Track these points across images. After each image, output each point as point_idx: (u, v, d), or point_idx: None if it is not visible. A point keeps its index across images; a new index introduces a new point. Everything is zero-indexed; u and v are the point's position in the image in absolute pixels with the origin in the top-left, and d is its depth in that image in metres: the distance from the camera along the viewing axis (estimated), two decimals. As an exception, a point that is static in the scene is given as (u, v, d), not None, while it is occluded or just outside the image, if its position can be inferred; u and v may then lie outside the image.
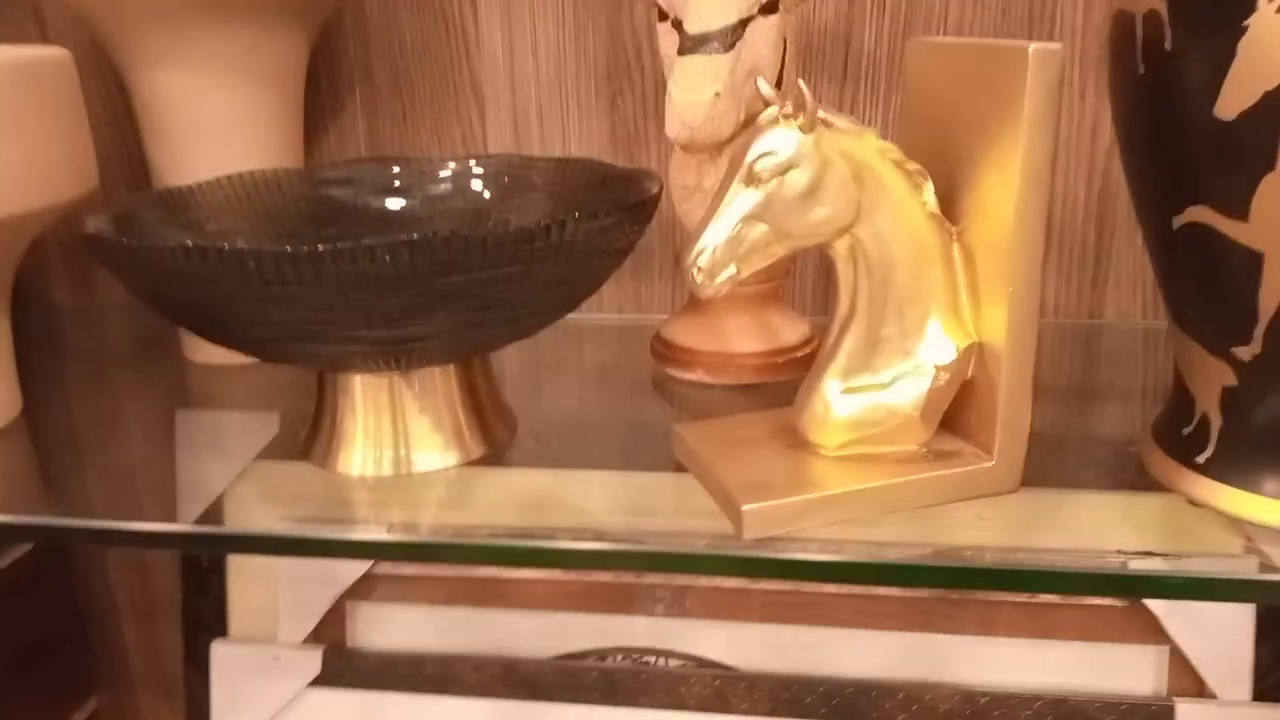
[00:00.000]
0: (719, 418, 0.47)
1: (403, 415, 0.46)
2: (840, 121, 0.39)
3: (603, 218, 0.40)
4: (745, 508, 0.39)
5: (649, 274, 0.70)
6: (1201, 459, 0.41)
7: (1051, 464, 0.49)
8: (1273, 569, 0.38)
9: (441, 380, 0.46)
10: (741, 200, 0.38)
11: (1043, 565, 0.40)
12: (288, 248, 0.35)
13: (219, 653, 0.71)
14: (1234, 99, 0.34)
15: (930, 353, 0.42)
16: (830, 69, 0.64)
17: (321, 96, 0.69)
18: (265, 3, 0.54)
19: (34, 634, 0.77)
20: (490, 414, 0.48)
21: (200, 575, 0.72)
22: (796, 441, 0.44)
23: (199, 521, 0.46)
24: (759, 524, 0.39)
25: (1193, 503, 0.41)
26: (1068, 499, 0.45)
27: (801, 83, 0.38)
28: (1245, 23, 0.33)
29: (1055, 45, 0.37)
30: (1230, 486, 0.40)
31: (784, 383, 0.55)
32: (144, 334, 0.69)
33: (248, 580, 0.72)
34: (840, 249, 0.41)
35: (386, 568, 0.69)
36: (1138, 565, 0.40)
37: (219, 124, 0.56)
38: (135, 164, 0.70)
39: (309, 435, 0.48)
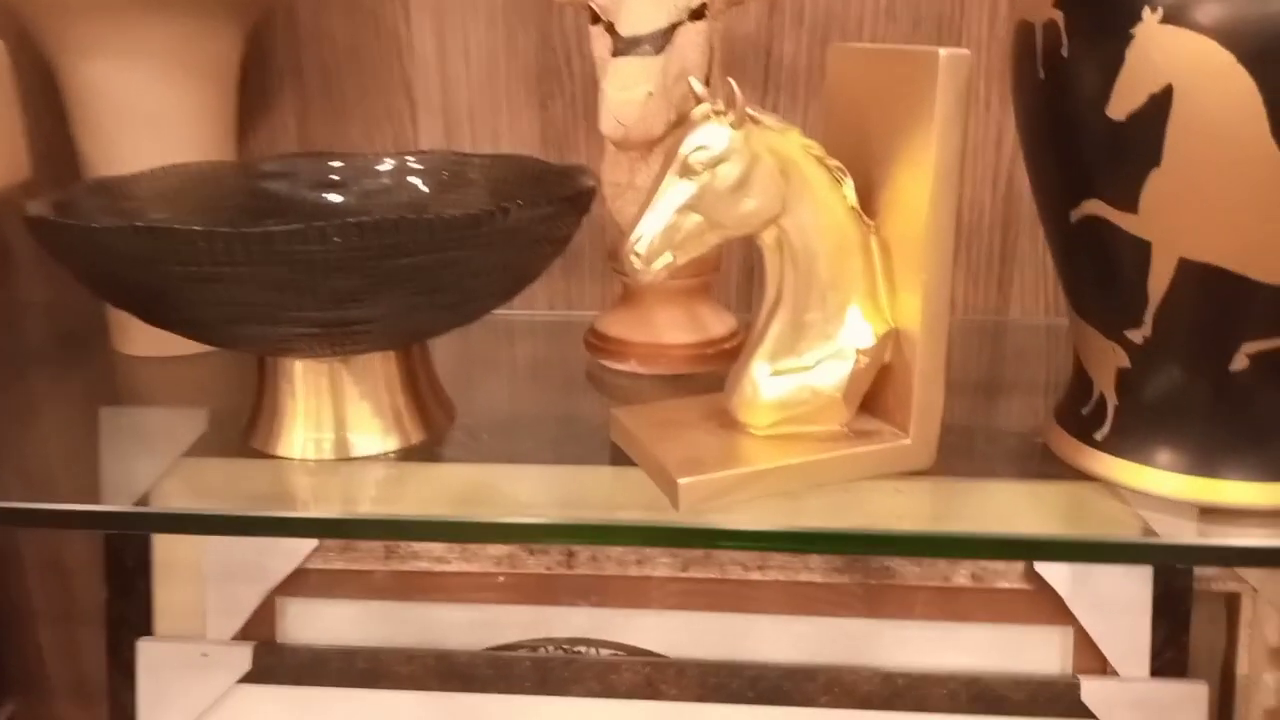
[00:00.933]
0: (655, 402, 0.49)
1: (343, 400, 0.47)
2: (767, 119, 0.42)
3: (544, 205, 0.41)
4: (681, 481, 0.41)
5: (580, 271, 0.72)
6: (1099, 436, 0.44)
7: (962, 453, 0.52)
8: (1152, 533, 0.42)
9: (382, 366, 0.47)
10: (676, 191, 0.41)
11: (953, 532, 0.43)
12: (240, 229, 0.36)
13: (145, 651, 0.70)
14: (1123, 101, 0.37)
15: (851, 338, 0.45)
16: (751, 77, 0.67)
17: (252, 94, 0.69)
18: (197, -2, 0.54)
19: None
20: (429, 401, 0.50)
21: (125, 575, 0.71)
22: (728, 422, 0.46)
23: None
24: (694, 497, 0.42)
25: (1091, 476, 0.44)
26: (978, 486, 0.48)
27: (731, 81, 0.40)
28: (1132, 31, 0.36)
29: (964, 51, 0.40)
30: (1126, 460, 0.43)
31: (712, 373, 0.57)
32: (68, 329, 0.68)
33: (174, 579, 0.71)
34: (768, 239, 0.44)
35: (316, 563, 0.69)
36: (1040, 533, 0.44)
37: (151, 116, 0.56)
38: (61, 154, 0.70)
39: (250, 420, 0.48)
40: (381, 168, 0.56)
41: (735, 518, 0.42)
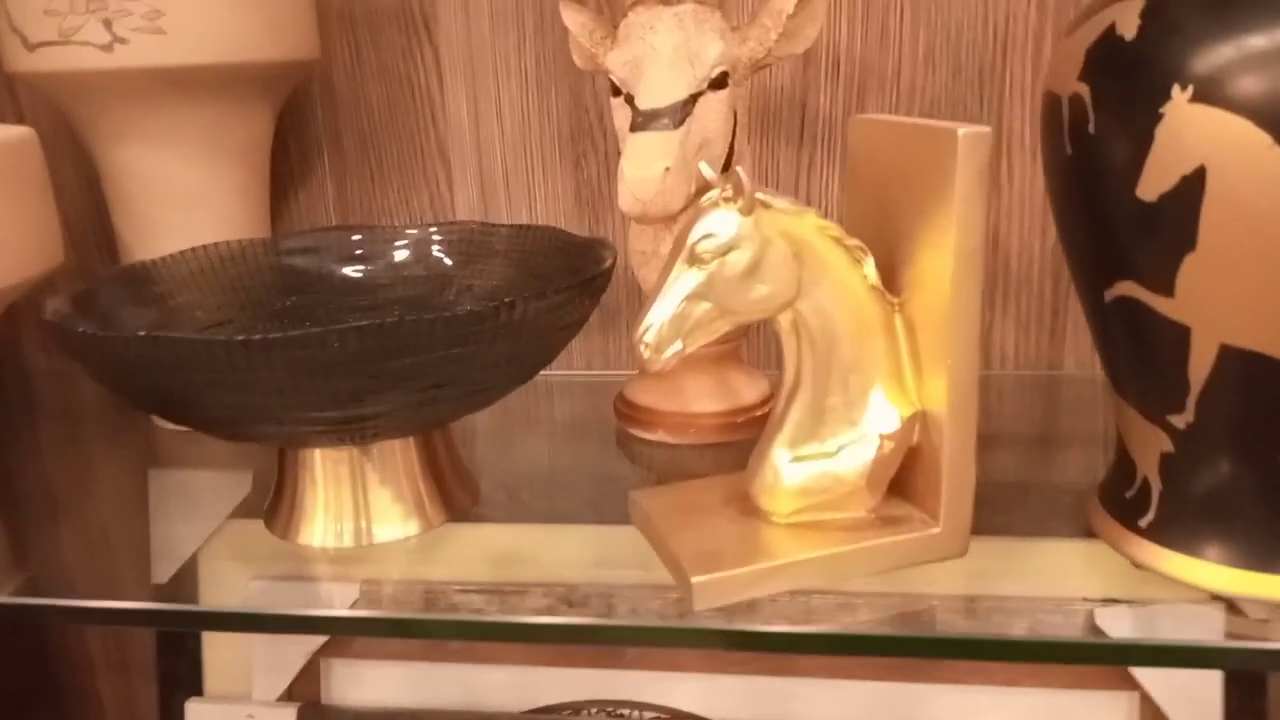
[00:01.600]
0: (675, 483, 0.48)
1: (363, 487, 0.47)
2: (779, 202, 0.40)
3: (552, 296, 0.41)
4: (695, 580, 0.40)
5: (616, 329, 0.71)
6: (1144, 522, 0.42)
7: (1013, 512, 0.51)
8: (1237, 634, 0.39)
9: (401, 451, 0.47)
10: (685, 280, 0.39)
11: (1000, 636, 0.41)
12: (239, 336, 0.35)
13: (194, 712, 0.71)
14: (1154, 181, 0.35)
15: (875, 421, 0.43)
16: (787, 132, 0.66)
17: (290, 161, 0.70)
18: (230, 79, 0.55)
19: (3, 691, 0.77)
20: (451, 482, 0.49)
21: (175, 633, 0.72)
22: (749, 508, 0.45)
23: (171, 582, 0.47)
24: (710, 595, 0.40)
25: (1137, 565, 0.42)
26: (1028, 546, 0.47)
27: (739, 169, 0.39)
28: (1161, 109, 0.34)
29: (984, 129, 0.38)
30: (1173, 550, 0.41)
31: (745, 441, 0.55)
32: (110, 402, 0.70)
33: (223, 638, 0.72)
34: (784, 323, 0.42)
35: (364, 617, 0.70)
36: (1107, 625, 0.41)
37: (184, 197, 0.57)
38: (101, 238, 0.71)
39: (271, 506, 0.48)
40: (405, 240, 0.56)
41: (754, 618, 0.41)
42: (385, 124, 0.69)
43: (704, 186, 0.51)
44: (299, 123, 0.70)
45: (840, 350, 0.42)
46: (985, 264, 0.41)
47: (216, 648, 0.72)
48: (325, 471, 0.46)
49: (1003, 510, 0.50)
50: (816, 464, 0.43)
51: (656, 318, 0.39)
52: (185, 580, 0.48)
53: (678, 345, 0.40)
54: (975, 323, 0.41)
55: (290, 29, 0.56)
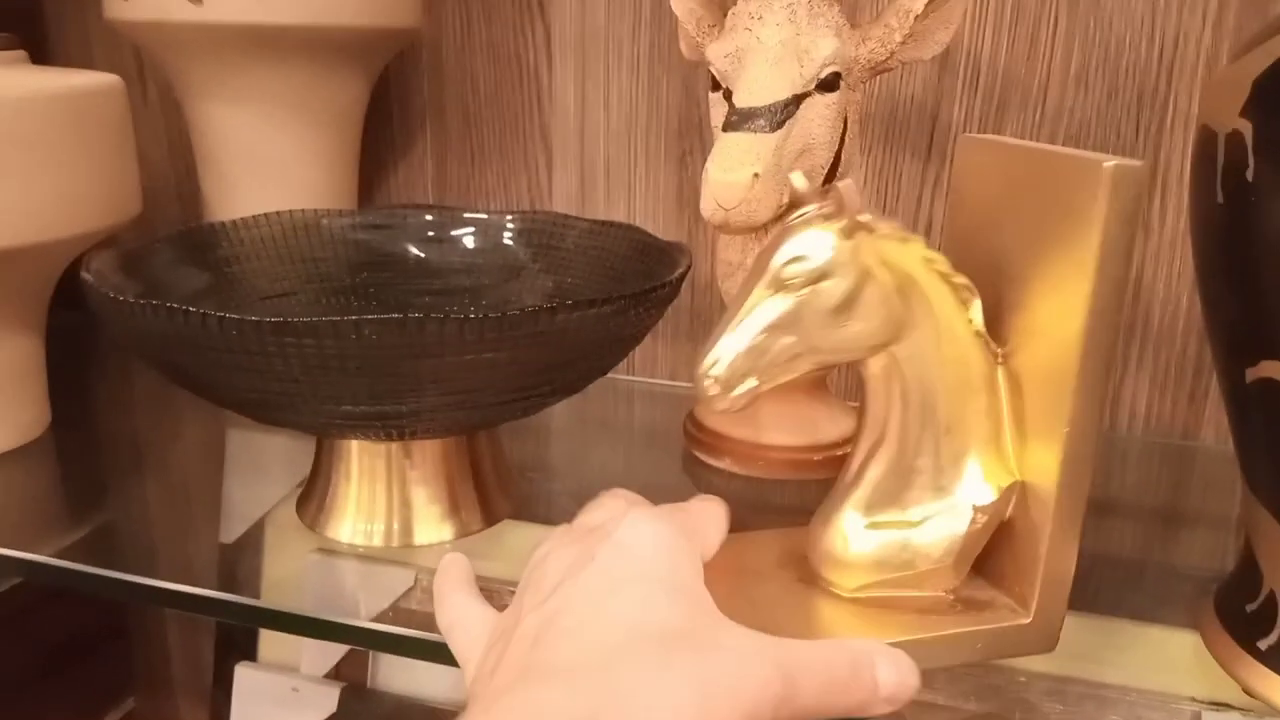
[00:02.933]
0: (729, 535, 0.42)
1: (398, 485, 0.44)
2: (884, 226, 0.34)
3: (601, 306, 0.37)
4: None
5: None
6: (1265, 644, 0.35)
7: (1122, 592, 0.46)
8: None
9: (443, 451, 0.44)
10: (766, 307, 0.34)
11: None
12: (252, 316, 0.33)
13: (242, 677, 0.71)
14: (1321, 246, 0.29)
15: (968, 492, 0.37)
16: (914, 143, 0.60)
17: (393, 132, 0.69)
18: (321, 42, 0.53)
19: (72, 631, 0.79)
20: (492, 488, 0.46)
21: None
22: (807, 575, 0.39)
23: (235, 546, 0.47)
24: None
25: (1249, 693, 0.35)
26: (1135, 631, 0.42)
27: (848, 182, 0.34)
28: (1340, 159, 0.28)
29: (1135, 163, 0.32)
30: (1293, 683, 0.34)
31: (820, 482, 0.51)
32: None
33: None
34: (874, 368, 0.36)
35: (412, 603, 0.68)
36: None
37: (267, 160, 0.55)
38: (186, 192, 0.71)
39: (304, 493, 0.46)
40: (482, 226, 0.53)
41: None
42: (490, 102, 0.67)
43: (799, 199, 0.46)
44: (404, 94, 0.68)
45: (937, 405, 0.36)
46: (1123, 316, 0.34)
47: (293, 601, 0.72)
48: (361, 465, 0.44)
49: (1111, 588, 0.46)
50: (895, 533, 0.37)
51: (727, 350, 0.34)
52: (248, 546, 0.47)
53: (751, 383, 0.34)
54: (1103, 385, 0.35)
55: (388, -7, 0.54)
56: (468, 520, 0.45)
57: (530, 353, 0.36)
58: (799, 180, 0.36)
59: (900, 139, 0.60)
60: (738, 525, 0.50)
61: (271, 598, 0.44)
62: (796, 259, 0.33)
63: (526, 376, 0.38)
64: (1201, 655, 0.39)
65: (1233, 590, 0.38)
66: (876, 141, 0.60)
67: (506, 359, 0.36)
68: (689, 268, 0.44)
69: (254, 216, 0.51)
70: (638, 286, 0.39)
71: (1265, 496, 0.35)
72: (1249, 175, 0.31)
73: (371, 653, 0.69)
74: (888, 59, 0.46)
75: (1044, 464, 0.36)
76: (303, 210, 0.52)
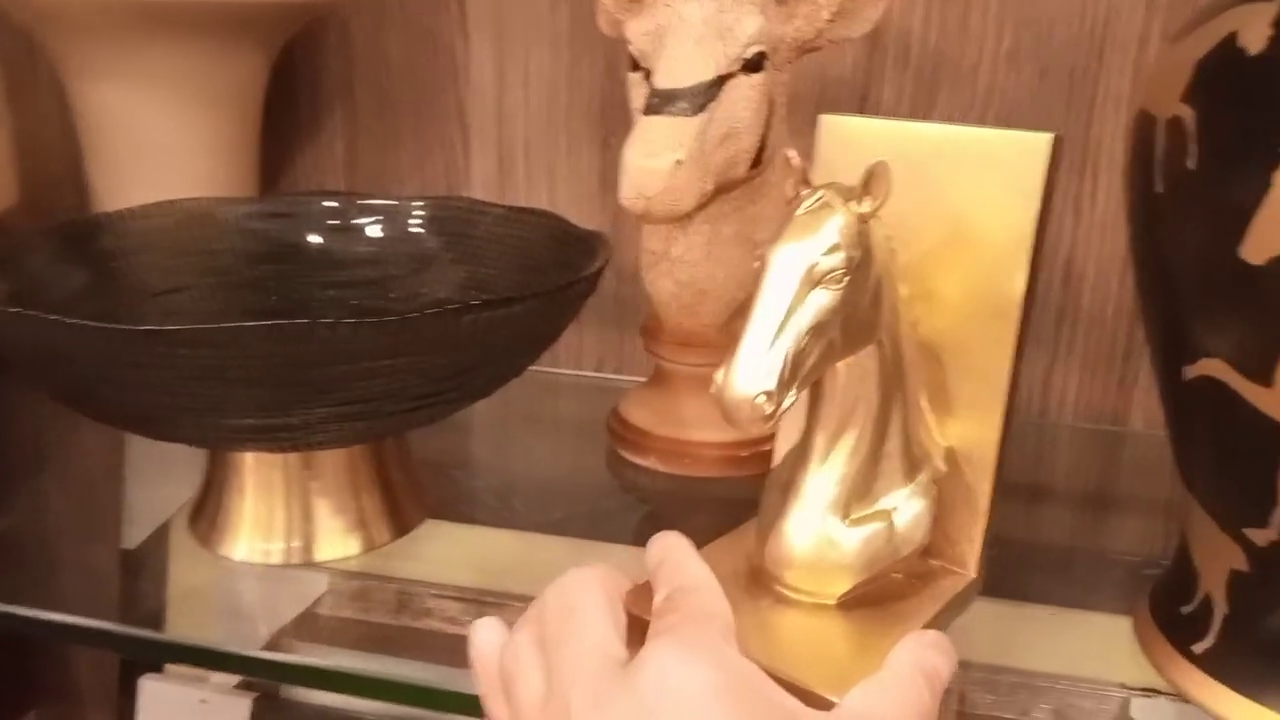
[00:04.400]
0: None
1: (300, 498, 0.41)
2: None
3: (512, 305, 0.34)
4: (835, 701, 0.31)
5: (633, 329, 0.64)
6: (1199, 648, 0.34)
7: (1054, 579, 0.46)
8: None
9: (345, 461, 0.41)
10: (808, 308, 0.30)
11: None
12: (118, 325, 0.30)
13: (148, 689, 0.67)
14: (1264, 240, 0.27)
15: (926, 467, 0.36)
16: (842, 125, 0.58)
17: (301, 114, 0.65)
18: (219, 19, 0.49)
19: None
20: (401, 498, 0.43)
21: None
22: (770, 590, 0.36)
23: (139, 551, 0.44)
24: None
25: (1183, 698, 0.35)
26: (1068, 619, 0.42)
27: (884, 162, 0.31)
28: (1282, 150, 0.27)
29: (1045, 135, 0.32)
30: (1231, 689, 0.33)
31: (743, 479, 0.49)
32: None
33: (187, 616, 0.68)
34: (862, 355, 0.34)
35: (324, 608, 0.65)
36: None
37: (160, 146, 0.52)
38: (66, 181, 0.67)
39: (196, 509, 0.43)
40: (389, 213, 0.50)
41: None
42: (404, 81, 0.63)
43: (726, 184, 0.44)
44: (312, 73, 0.64)
45: (905, 384, 0.35)
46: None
47: (180, 626, 0.68)
48: (257, 477, 0.41)
49: (1042, 576, 0.46)
50: (877, 526, 0.35)
51: (773, 364, 0.29)
52: (152, 551, 0.45)
53: (793, 396, 0.30)
54: (1009, 350, 0.35)
55: (290, -34, 0.51)
56: (376, 533, 0.43)
57: (436, 358, 0.34)
58: (795, 156, 0.33)
59: (829, 120, 0.58)
60: (664, 523, 0.48)
61: (174, 623, 0.41)
62: (834, 248, 0.30)
63: (432, 383, 0.35)
64: (1132, 642, 0.38)
65: (1168, 591, 0.37)
66: (807, 124, 0.58)
67: (408, 365, 0.33)
68: (607, 261, 0.41)
69: (142, 206, 0.47)
70: (556, 278, 0.36)
71: (1202, 497, 0.34)
72: (1190, 163, 0.29)
73: (287, 660, 0.66)
74: (815, 37, 0.44)
75: (981, 429, 0.36)
76: (196, 199, 0.49)
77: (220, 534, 0.41)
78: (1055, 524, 0.52)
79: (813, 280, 0.30)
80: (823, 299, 0.30)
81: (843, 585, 0.35)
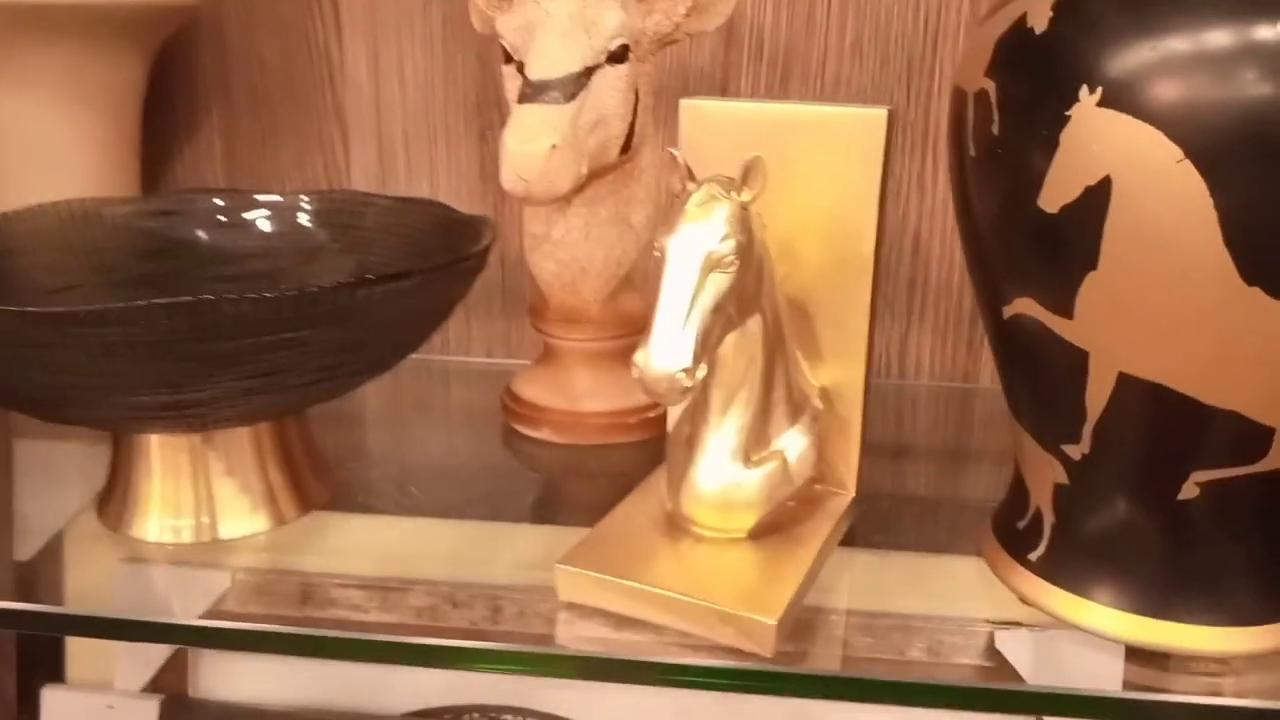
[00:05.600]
0: (588, 539, 0.41)
1: (205, 478, 0.42)
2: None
3: (403, 279, 0.37)
4: (766, 620, 0.35)
5: (519, 315, 0.67)
6: (1034, 556, 0.39)
7: (922, 528, 0.49)
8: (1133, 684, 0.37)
9: (250, 440, 0.43)
10: (709, 290, 0.35)
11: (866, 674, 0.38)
12: (29, 308, 0.31)
13: (50, 699, 0.67)
14: (1056, 191, 0.32)
15: (808, 408, 0.41)
16: (706, 113, 0.62)
17: (177, 115, 0.65)
18: (95, 20, 0.50)
19: None
20: (305, 474, 0.45)
21: (31, 617, 0.67)
22: (686, 531, 0.41)
23: (35, 560, 0.44)
24: (783, 634, 0.36)
25: (1024, 601, 0.39)
26: (935, 564, 0.45)
27: (759, 156, 0.35)
28: (1067, 112, 0.31)
29: (879, 110, 0.36)
30: (1061, 589, 0.38)
31: (633, 444, 0.52)
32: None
33: (85, 623, 0.68)
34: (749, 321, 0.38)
35: (229, 605, 0.66)
36: (1006, 649, 0.40)
37: (38, 149, 0.52)
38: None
39: (104, 496, 0.44)
40: (276, 208, 0.51)
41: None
42: (280, 81, 0.65)
43: (599, 169, 0.47)
44: (187, 74, 0.65)
45: (785, 340, 0.40)
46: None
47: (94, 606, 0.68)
48: (163, 460, 0.42)
49: (908, 525, 0.49)
50: (773, 465, 0.40)
51: (687, 342, 0.34)
52: (49, 560, 0.44)
53: (704, 368, 0.35)
54: (863, 297, 0.41)
55: (164, -31, 0.52)
56: (283, 509, 0.44)
57: (332, 331, 0.36)
58: (679, 155, 0.37)
59: (694, 110, 0.62)
60: (562, 493, 0.51)
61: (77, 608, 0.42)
62: (725, 236, 0.35)
63: (329, 355, 0.37)
64: (991, 579, 0.42)
65: (1006, 512, 0.42)
66: (671, 114, 0.62)
67: (306, 338, 0.36)
68: (493, 240, 0.44)
69: (27, 208, 0.48)
70: (431, 263, 0.39)
71: (1027, 422, 0.38)
72: (994, 129, 0.34)
73: (190, 660, 0.67)
74: (673, 30, 0.48)
75: (848, 369, 0.42)
76: (81, 199, 0.49)
77: (131, 516, 0.42)
78: (918, 477, 0.56)
79: (710, 265, 0.35)
80: (720, 281, 0.35)
81: (750, 519, 0.40)
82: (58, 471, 0.54)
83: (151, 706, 0.65)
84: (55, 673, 0.69)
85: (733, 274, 0.35)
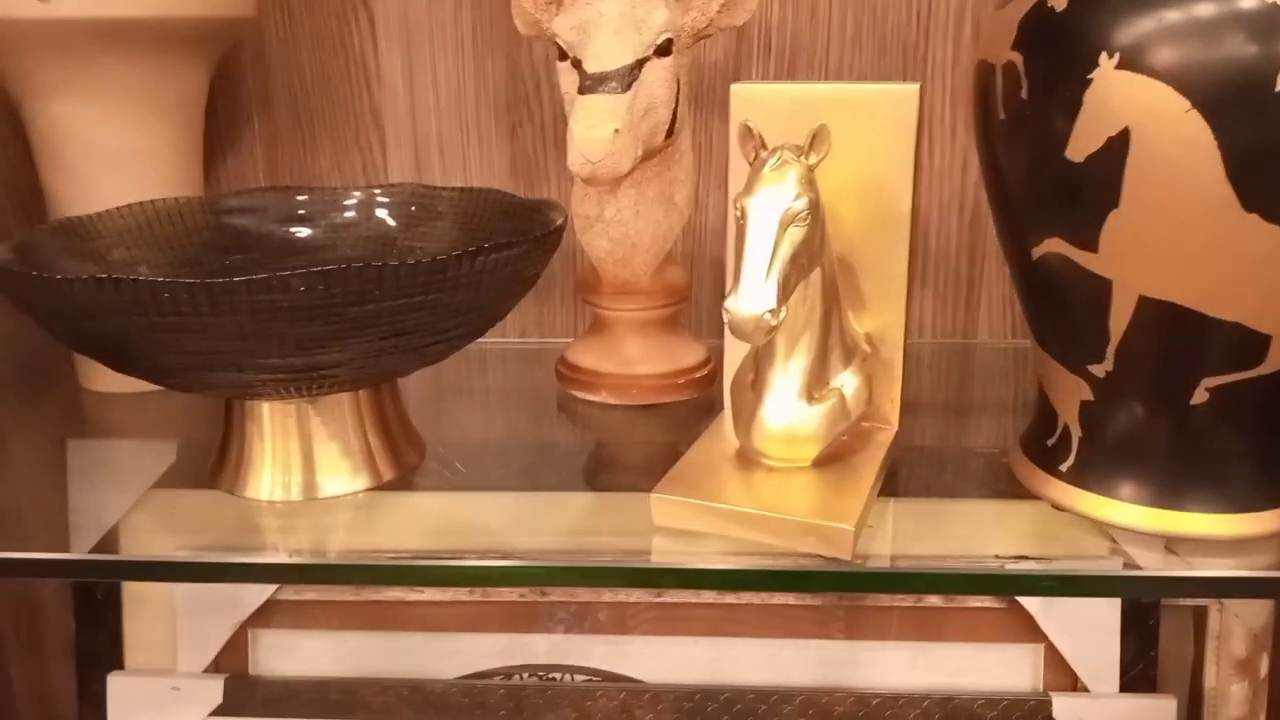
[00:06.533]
0: (672, 475, 0.46)
1: (311, 441, 0.47)
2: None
3: (514, 248, 0.41)
4: (846, 527, 0.41)
5: (551, 298, 0.72)
6: (1064, 467, 0.45)
7: (930, 474, 0.54)
8: (1134, 566, 0.42)
9: (350, 406, 0.47)
10: (786, 243, 0.40)
11: (930, 568, 0.43)
12: (204, 279, 0.35)
13: (116, 685, 0.70)
14: (1082, 143, 0.38)
15: (860, 352, 0.47)
16: (720, 104, 0.68)
17: (220, 124, 0.69)
18: (165, 34, 0.54)
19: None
20: (399, 438, 0.49)
21: (95, 608, 0.70)
22: (761, 465, 0.46)
23: (93, 552, 0.46)
24: (852, 539, 0.41)
25: (1057, 507, 0.45)
26: (946, 507, 0.49)
27: (825, 125, 0.41)
28: (1089, 75, 0.37)
29: (913, 85, 0.41)
30: (1090, 492, 0.44)
31: (684, 401, 0.57)
32: (34, 364, 0.68)
33: (145, 612, 0.71)
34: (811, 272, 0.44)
35: (288, 593, 0.69)
36: (1013, 568, 0.43)
37: (117, 154, 0.56)
38: (26, 191, 0.69)
39: (216, 462, 0.48)
40: (349, 201, 0.56)
41: (707, 558, 0.42)
42: (318, 89, 0.69)
43: (648, 152, 0.52)
44: (228, 86, 0.69)
45: (839, 289, 0.45)
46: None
47: (138, 623, 0.71)
48: (274, 425, 0.46)
49: (920, 472, 0.54)
50: (833, 401, 0.45)
51: (770, 288, 0.39)
52: (105, 553, 0.46)
53: (784, 312, 0.40)
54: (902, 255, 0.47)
55: (226, -14, 0.56)
56: (382, 470, 0.48)
57: (454, 296, 0.41)
58: (754, 126, 0.42)
59: (709, 102, 0.68)
60: (622, 451, 0.56)
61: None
62: (799, 195, 0.40)
63: (447, 319, 0.42)
64: (1001, 520, 0.48)
65: (1035, 432, 0.47)
66: (697, 102, 0.68)
67: (433, 301, 0.40)
68: (566, 215, 0.49)
69: (117, 208, 0.52)
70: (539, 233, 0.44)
71: (1053, 349, 0.44)
72: (1023, 95, 0.40)
73: (250, 639, 0.70)
74: (707, 26, 0.53)
75: (889, 317, 0.49)
76: (164, 199, 0.53)
77: (245, 478, 0.46)
78: (928, 429, 0.60)
79: (787, 221, 0.40)
80: (795, 235, 0.40)
81: (814, 450, 0.45)
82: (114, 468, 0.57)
83: (216, 686, 0.69)
84: (114, 663, 0.72)
85: (806, 228, 0.40)
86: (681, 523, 0.43)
